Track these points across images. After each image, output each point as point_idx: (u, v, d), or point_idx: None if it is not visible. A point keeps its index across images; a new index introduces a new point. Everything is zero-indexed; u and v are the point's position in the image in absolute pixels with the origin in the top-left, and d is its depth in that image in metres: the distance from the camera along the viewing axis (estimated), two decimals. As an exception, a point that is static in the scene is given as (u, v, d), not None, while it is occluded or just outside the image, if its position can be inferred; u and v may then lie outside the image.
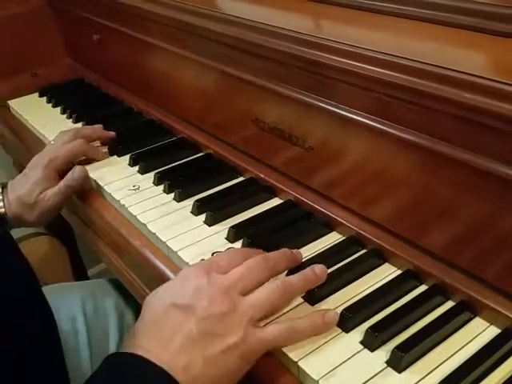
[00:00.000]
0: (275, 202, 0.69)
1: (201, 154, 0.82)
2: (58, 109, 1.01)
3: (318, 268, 0.53)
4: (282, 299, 0.50)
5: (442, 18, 0.55)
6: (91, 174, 0.78)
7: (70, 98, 1.04)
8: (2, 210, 0.74)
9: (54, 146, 0.80)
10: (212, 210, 0.65)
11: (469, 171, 0.48)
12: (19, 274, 0.50)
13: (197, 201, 0.68)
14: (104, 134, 0.86)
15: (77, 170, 0.75)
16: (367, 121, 0.56)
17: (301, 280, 0.52)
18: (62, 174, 0.77)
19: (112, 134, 0.87)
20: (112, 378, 0.45)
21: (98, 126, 0.87)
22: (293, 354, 0.47)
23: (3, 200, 0.75)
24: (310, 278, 0.53)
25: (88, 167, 0.78)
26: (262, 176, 0.71)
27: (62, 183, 0.75)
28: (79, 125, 0.94)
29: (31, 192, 0.74)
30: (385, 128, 0.54)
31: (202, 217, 0.66)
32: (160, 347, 0.46)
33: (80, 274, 1.32)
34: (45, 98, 1.07)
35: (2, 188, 0.76)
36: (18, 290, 0.48)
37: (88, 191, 0.78)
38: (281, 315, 0.51)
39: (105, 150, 0.84)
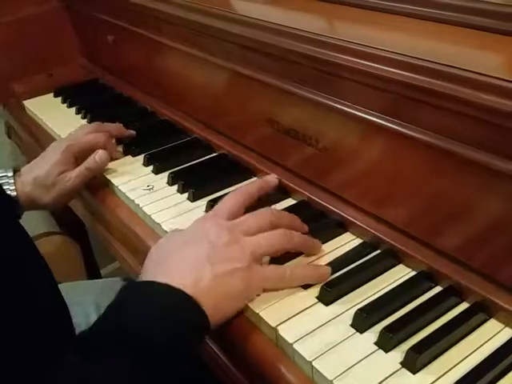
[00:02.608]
0: (289, 202, 0.69)
1: (214, 154, 0.82)
2: (73, 109, 1.02)
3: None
4: (282, 244, 0.55)
5: (455, 18, 0.55)
6: (106, 174, 0.79)
7: (85, 98, 1.04)
8: (14, 193, 0.75)
9: (74, 134, 0.81)
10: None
11: (485, 172, 0.48)
12: (36, 270, 0.50)
13: (210, 201, 0.69)
14: (125, 132, 0.87)
15: (99, 154, 0.76)
16: (382, 121, 0.56)
17: (301, 237, 0.57)
18: (78, 161, 0.77)
19: (132, 132, 0.87)
20: (120, 302, 0.50)
21: (119, 124, 0.88)
22: (306, 353, 0.48)
23: (15, 183, 0.75)
24: (309, 242, 0.58)
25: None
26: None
27: (83, 165, 0.76)
28: (94, 125, 0.95)
29: (50, 173, 0.75)
30: (399, 128, 0.54)
31: (216, 217, 0.66)
32: (172, 275, 0.50)
33: (93, 272, 1.33)
34: (60, 98, 1.07)
35: (14, 172, 0.77)
36: (33, 287, 0.49)
37: (103, 190, 0.79)
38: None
39: (119, 149, 0.84)
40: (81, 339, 0.48)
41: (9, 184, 0.75)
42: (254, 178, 0.75)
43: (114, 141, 0.84)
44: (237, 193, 0.61)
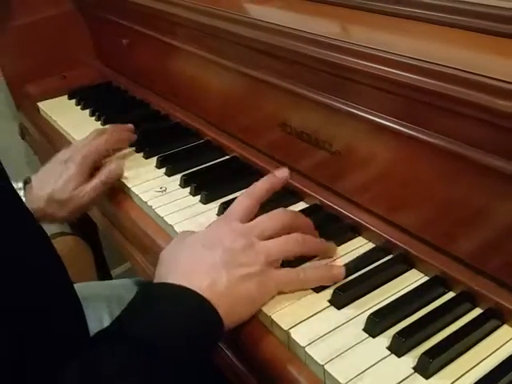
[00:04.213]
0: (301, 205, 0.69)
1: (227, 157, 0.82)
2: (87, 111, 1.03)
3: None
4: (296, 249, 0.55)
5: (468, 23, 0.55)
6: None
7: (99, 100, 1.05)
8: None
9: (82, 142, 0.80)
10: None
11: (499, 178, 0.48)
12: (52, 270, 0.51)
13: (223, 203, 0.69)
14: (124, 127, 0.86)
15: (113, 167, 0.76)
16: (396, 126, 0.56)
17: (316, 241, 0.58)
18: (94, 170, 0.77)
19: (130, 126, 0.87)
20: (135, 305, 0.50)
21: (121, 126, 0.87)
22: (319, 357, 0.48)
23: (27, 197, 0.74)
24: (323, 246, 0.58)
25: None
26: (288, 180, 0.71)
27: (97, 180, 0.75)
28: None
29: (64, 188, 0.74)
30: (414, 133, 0.54)
31: (229, 219, 0.67)
32: (186, 276, 0.51)
33: (103, 273, 1.34)
34: (74, 101, 1.08)
35: (25, 184, 0.75)
36: (51, 287, 0.49)
37: (116, 192, 0.79)
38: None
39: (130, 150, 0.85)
40: (94, 341, 0.48)
41: None
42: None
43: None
44: (249, 193, 0.60)
